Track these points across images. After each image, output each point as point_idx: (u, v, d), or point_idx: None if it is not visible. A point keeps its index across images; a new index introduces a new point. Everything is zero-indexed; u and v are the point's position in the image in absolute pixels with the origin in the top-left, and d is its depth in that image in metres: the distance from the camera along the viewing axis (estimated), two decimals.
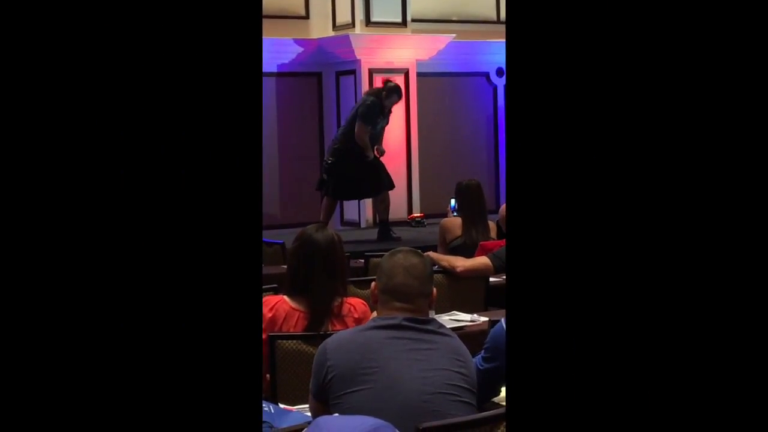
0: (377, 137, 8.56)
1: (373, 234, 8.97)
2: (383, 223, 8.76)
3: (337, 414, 1.11)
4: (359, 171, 8.41)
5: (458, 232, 5.79)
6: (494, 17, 11.43)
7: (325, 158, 8.87)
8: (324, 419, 1.18)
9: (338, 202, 8.91)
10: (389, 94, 8.44)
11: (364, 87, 10.17)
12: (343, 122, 9.74)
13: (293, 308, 3.51)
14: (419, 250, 3.01)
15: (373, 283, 2.92)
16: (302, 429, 2.52)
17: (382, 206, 8.78)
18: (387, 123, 8.72)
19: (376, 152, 8.46)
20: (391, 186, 8.86)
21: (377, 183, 8.61)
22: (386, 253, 2.97)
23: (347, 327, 3.37)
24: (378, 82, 10.37)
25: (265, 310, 3.50)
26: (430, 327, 2.75)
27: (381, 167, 8.68)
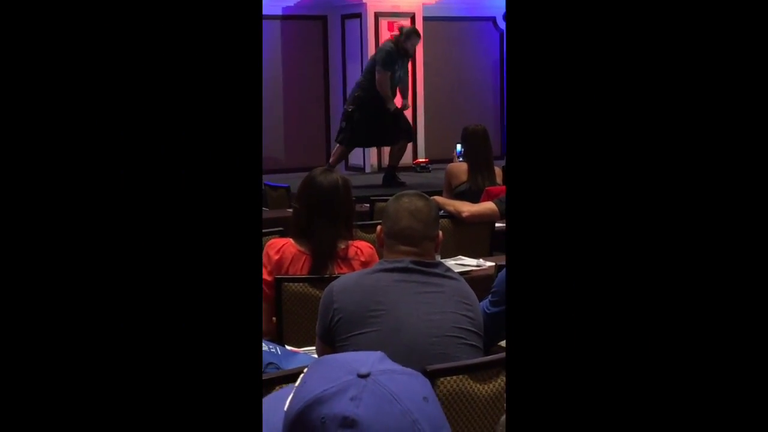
0: (400, 85, 8.50)
1: (378, 179, 8.98)
2: (391, 168, 8.75)
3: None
4: (378, 120, 8.36)
5: (464, 177, 5.77)
6: None
7: (345, 107, 8.80)
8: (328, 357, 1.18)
9: (351, 150, 8.88)
10: (408, 36, 8.38)
11: (370, 31, 10.11)
12: (350, 67, 9.75)
13: (300, 251, 3.51)
14: (425, 194, 3.00)
15: (378, 227, 2.92)
16: None
17: (398, 153, 8.75)
18: (407, 71, 8.65)
19: (399, 105, 8.43)
20: (410, 137, 8.86)
21: (395, 133, 8.58)
22: (391, 197, 2.96)
23: (354, 270, 3.38)
24: (384, 26, 10.31)
25: (271, 252, 3.51)
26: (437, 270, 2.76)
27: (401, 117, 8.64)
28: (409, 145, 10.35)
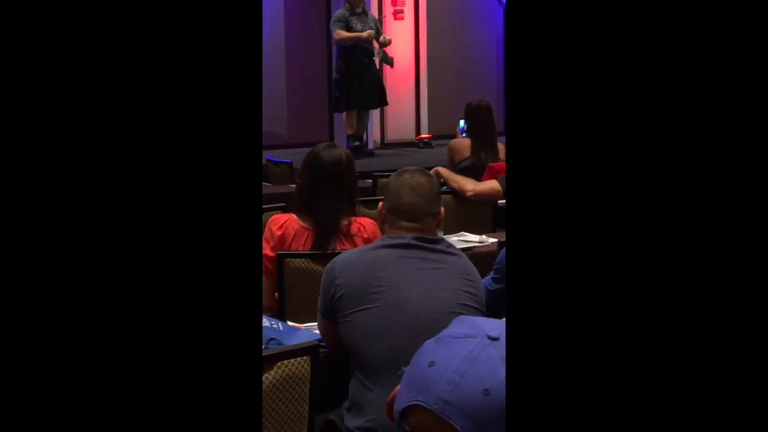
0: (371, 30, 8.81)
1: (381, 154, 9.02)
2: (358, 138, 9.02)
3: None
4: (362, 81, 8.80)
5: (467, 153, 5.75)
6: None
7: (333, 77, 9.20)
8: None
9: (356, 113, 8.97)
10: None
11: (374, 4, 10.06)
12: None
13: (303, 227, 3.50)
14: (426, 170, 2.99)
15: (380, 203, 2.91)
16: (310, 346, 2.53)
17: (360, 124, 9.08)
18: (372, 21, 8.95)
19: (377, 43, 8.88)
20: (384, 102, 9.24)
21: (374, 97, 8.99)
22: (393, 173, 2.96)
23: (357, 246, 3.37)
24: (387, 1, 10.26)
25: (274, 228, 3.50)
26: (439, 246, 2.75)
27: (378, 82, 9.07)
28: (412, 121, 10.38)
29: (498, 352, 1.09)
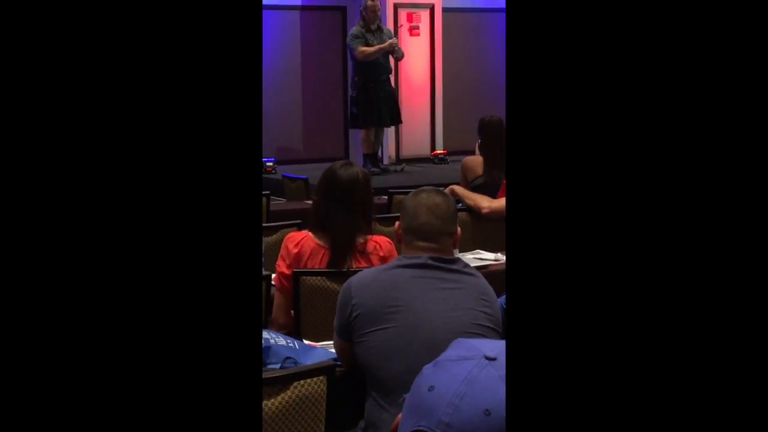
0: (387, 45, 8.82)
1: (396, 170, 9.03)
2: (373, 155, 9.04)
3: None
4: (379, 98, 8.80)
5: (480, 170, 5.71)
6: None
7: (349, 94, 9.18)
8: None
9: (374, 130, 8.99)
10: (365, 8, 8.84)
11: (389, 21, 10.09)
12: None
13: (318, 245, 3.51)
14: (443, 189, 2.99)
15: (396, 223, 2.91)
16: (326, 366, 2.54)
17: (376, 140, 9.11)
18: (387, 34, 8.97)
19: (392, 56, 8.94)
20: (399, 120, 9.23)
21: (389, 114, 8.98)
22: (410, 192, 2.96)
23: (372, 265, 3.37)
24: (403, 17, 10.30)
25: (290, 246, 3.51)
26: (455, 266, 2.75)
27: (394, 99, 9.06)
28: (427, 136, 10.38)
29: (496, 371, 1.10)
